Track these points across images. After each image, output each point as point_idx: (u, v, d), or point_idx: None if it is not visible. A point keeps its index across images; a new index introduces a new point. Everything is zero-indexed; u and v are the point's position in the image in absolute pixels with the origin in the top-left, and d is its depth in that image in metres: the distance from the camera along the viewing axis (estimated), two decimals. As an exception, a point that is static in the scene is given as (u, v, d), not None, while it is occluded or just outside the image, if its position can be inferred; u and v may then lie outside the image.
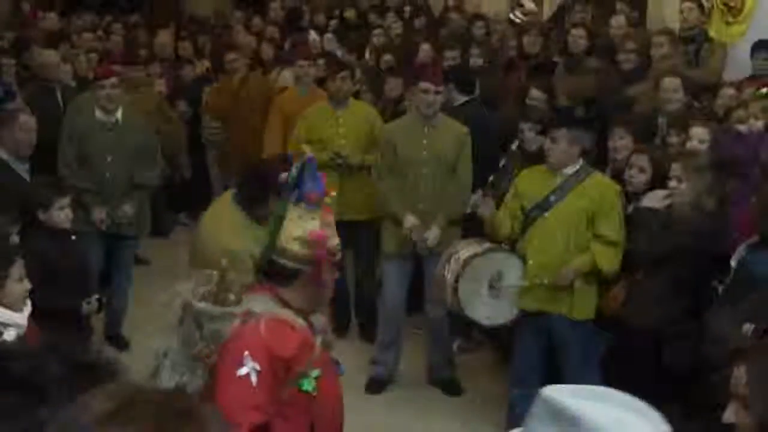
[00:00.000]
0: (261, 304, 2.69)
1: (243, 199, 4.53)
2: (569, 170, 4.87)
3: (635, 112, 6.25)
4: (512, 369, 5.25)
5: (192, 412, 1.28)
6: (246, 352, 2.59)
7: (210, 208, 4.89)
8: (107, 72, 6.44)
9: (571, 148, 4.83)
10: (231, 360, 2.61)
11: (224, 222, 4.50)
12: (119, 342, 6.31)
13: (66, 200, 4.70)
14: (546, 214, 4.87)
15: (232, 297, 2.74)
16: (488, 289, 5.03)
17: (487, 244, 5.18)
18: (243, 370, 2.58)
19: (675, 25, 7.64)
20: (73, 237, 4.83)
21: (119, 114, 6.27)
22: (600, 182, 4.91)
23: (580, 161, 4.89)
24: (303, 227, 2.68)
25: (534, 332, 5.01)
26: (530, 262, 4.93)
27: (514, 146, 5.89)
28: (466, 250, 5.15)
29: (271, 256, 2.72)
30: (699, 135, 5.20)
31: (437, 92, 5.64)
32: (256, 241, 4.51)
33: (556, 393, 1.53)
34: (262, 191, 4.35)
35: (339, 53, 9.09)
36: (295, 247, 2.68)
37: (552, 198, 4.86)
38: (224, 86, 8.38)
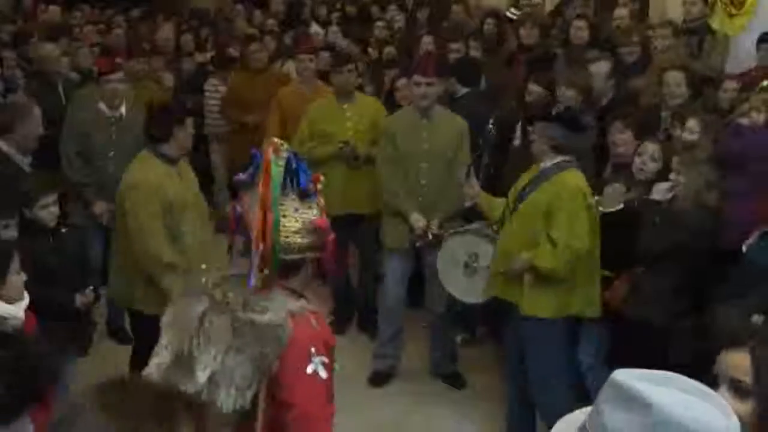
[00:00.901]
0: (287, 299, 2.67)
1: (150, 137, 4.83)
2: (546, 164, 4.76)
3: (640, 105, 6.21)
4: (506, 363, 5.23)
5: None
6: (312, 349, 2.60)
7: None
8: (113, 66, 6.36)
9: (539, 141, 4.75)
10: (295, 360, 2.59)
11: (141, 162, 4.83)
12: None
13: (51, 198, 4.64)
14: (521, 206, 4.82)
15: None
16: (464, 266, 5.16)
17: (475, 225, 5.20)
18: (311, 367, 2.59)
19: (677, 17, 7.61)
20: (63, 230, 4.79)
21: (123, 108, 6.26)
22: (564, 180, 4.70)
23: (559, 157, 4.74)
24: (302, 219, 2.67)
25: (512, 325, 4.94)
26: (498, 249, 4.92)
27: (490, 124, 5.93)
28: (454, 227, 5.40)
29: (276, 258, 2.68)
30: (691, 126, 5.15)
31: (429, 84, 5.56)
32: (170, 177, 4.68)
33: (626, 377, 1.52)
34: (166, 128, 4.74)
35: (343, 45, 9.05)
36: (299, 240, 2.67)
37: (526, 190, 4.82)
38: (235, 82, 8.30)
